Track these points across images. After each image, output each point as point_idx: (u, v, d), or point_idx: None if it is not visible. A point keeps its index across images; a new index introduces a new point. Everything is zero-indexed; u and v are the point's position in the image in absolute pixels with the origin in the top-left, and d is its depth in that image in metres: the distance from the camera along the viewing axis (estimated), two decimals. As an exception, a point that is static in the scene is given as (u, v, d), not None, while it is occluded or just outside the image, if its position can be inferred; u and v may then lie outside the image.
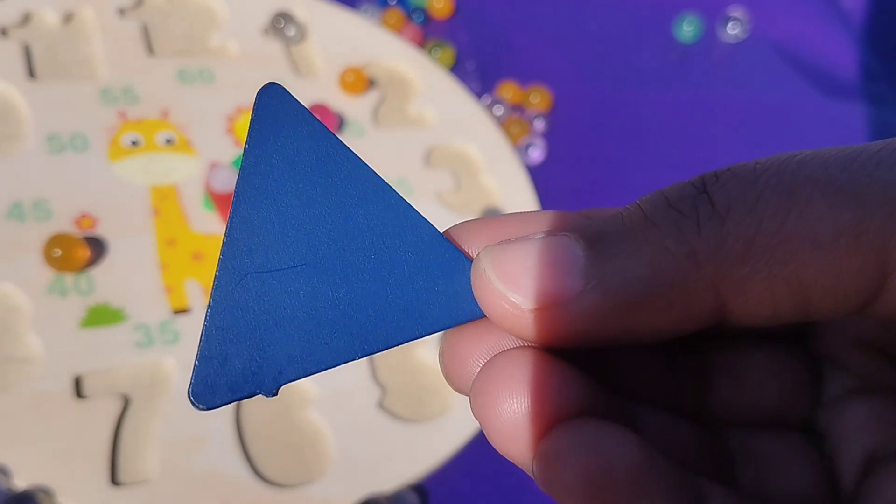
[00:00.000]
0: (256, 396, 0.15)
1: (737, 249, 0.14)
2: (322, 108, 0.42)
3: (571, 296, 0.14)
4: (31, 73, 0.41)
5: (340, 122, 0.44)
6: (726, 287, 0.14)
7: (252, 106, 0.16)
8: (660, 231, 0.14)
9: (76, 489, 0.31)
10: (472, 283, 0.16)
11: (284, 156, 0.16)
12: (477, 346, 0.16)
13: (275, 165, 0.16)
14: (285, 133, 0.16)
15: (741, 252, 0.14)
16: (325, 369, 0.15)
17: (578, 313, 0.14)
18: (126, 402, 0.33)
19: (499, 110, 0.49)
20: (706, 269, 0.14)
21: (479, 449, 0.37)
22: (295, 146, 0.16)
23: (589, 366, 0.16)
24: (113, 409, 0.33)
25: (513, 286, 0.15)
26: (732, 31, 0.59)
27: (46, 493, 0.30)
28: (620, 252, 0.14)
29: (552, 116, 0.50)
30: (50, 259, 0.35)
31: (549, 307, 0.14)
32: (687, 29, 0.57)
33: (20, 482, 0.30)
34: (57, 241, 0.35)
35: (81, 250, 0.35)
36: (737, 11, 0.59)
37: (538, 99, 0.50)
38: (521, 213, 0.17)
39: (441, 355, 0.17)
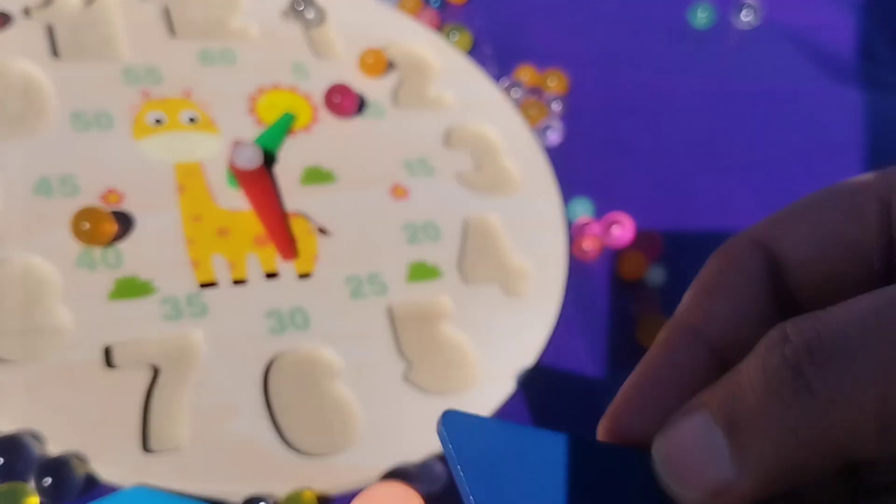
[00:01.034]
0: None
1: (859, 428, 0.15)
2: (344, 89, 0.43)
3: (727, 485, 0.16)
4: (55, 52, 0.41)
5: (361, 103, 0.44)
6: (861, 455, 0.15)
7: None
8: (782, 415, 0.15)
9: (109, 455, 0.31)
10: None
11: (498, 471, 0.17)
12: None
13: (496, 483, 0.17)
14: (488, 452, 0.17)
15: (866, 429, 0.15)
16: None
17: (740, 496, 0.16)
18: (156, 372, 0.34)
19: (516, 93, 0.49)
20: (838, 437, 0.15)
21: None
22: (502, 457, 0.17)
23: None
24: (143, 378, 0.33)
25: (678, 481, 0.16)
26: (745, 17, 0.59)
27: (80, 458, 0.31)
28: (756, 439, 0.15)
29: (569, 99, 0.50)
30: (78, 232, 0.35)
31: (713, 497, 0.16)
32: (701, 15, 0.58)
33: (54, 449, 0.31)
34: (85, 214, 0.35)
35: (109, 224, 0.36)
36: (749, -2, 0.59)
37: (555, 82, 0.50)
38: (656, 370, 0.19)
39: None
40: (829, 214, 0.19)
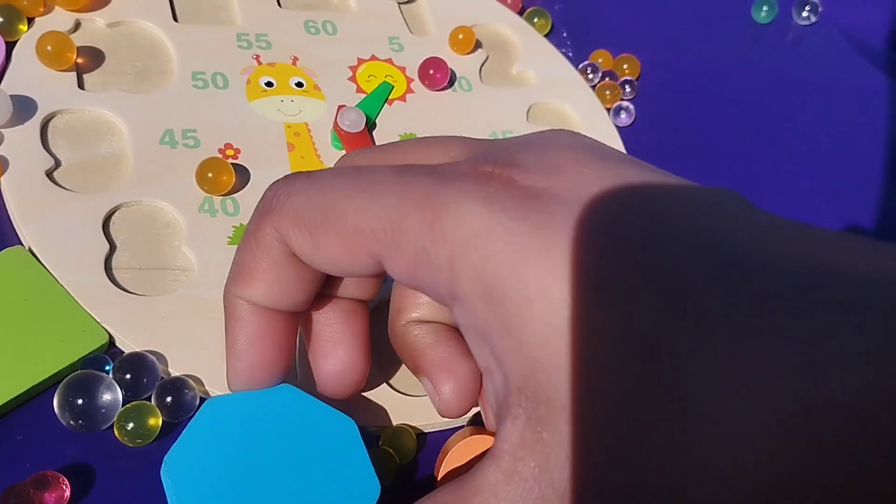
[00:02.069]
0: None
1: None
2: (438, 61, 0.46)
3: None
4: (175, 17, 0.44)
5: (451, 77, 0.47)
6: None
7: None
8: None
9: (222, 379, 0.34)
10: None
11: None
12: None
13: None
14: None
15: None
16: None
17: None
18: (272, 311, 0.37)
19: (592, 76, 0.52)
20: None
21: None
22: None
23: None
24: (260, 316, 0.36)
25: None
26: (805, 14, 0.62)
27: (196, 380, 0.34)
28: None
29: (641, 84, 0.53)
30: (202, 181, 0.38)
31: None
32: (763, 11, 0.60)
33: (174, 371, 0.34)
34: (209, 164, 0.38)
35: (228, 175, 0.39)
36: (810, -3, 0.62)
37: (628, 67, 0.53)
38: None
39: None
40: (279, 287, 0.28)
